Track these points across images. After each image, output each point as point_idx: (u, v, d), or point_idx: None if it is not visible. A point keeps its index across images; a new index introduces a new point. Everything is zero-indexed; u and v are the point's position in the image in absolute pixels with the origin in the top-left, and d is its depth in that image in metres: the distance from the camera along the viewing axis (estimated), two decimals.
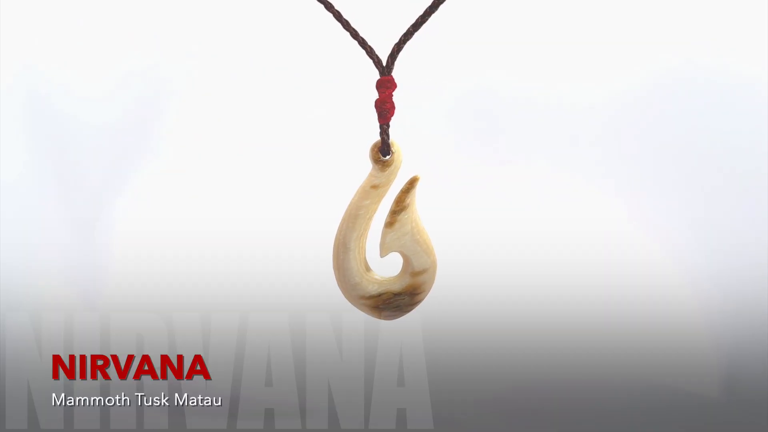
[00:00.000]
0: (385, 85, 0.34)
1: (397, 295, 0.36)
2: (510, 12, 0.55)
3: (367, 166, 0.36)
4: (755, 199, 0.52)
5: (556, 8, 0.55)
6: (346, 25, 0.35)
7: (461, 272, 0.57)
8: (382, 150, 0.35)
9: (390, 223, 0.35)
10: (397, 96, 0.35)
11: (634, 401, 0.49)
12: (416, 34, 0.35)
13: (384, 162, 0.35)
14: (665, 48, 0.55)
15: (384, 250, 0.35)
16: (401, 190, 0.35)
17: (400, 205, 0.35)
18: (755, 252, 0.52)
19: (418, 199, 0.36)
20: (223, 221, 0.58)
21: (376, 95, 0.35)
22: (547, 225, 0.58)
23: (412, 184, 0.35)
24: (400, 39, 0.34)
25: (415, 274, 0.35)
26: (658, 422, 0.45)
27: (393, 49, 0.35)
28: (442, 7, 0.35)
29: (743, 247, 0.52)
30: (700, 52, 0.54)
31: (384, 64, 0.34)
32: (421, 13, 0.34)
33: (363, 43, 0.35)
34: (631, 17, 0.55)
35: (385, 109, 0.34)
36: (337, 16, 0.35)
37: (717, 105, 0.54)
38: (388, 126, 0.35)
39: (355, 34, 0.35)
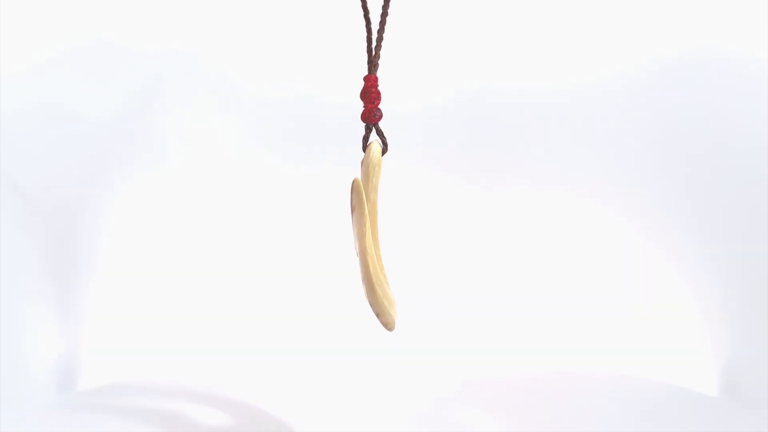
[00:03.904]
0: (366, 79, 0.36)
1: None
2: (505, 16, 0.55)
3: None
4: (756, 198, 0.52)
5: (550, 9, 0.55)
6: (373, 26, 0.36)
7: (461, 272, 0.58)
8: (363, 147, 0.35)
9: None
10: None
11: (634, 401, 0.50)
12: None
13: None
14: (663, 44, 0.55)
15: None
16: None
17: (350, 206, 0.35)
18: (755, 251, 0.52)
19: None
20: (223, 220, 0.58)
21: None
22: (546, 223, 0.59)
23: (351, 187, 0.35)
24: (378, 37, 0.36)
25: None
26: (657, 422, 0.45)
27: (375, 46, 0.36)
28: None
29: (743, 246, 0.53)
30: (699, 47, 0.54)
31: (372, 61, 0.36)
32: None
33: (376, 44, 0.36)
34: (629, 15, 0.55)
35: (370, 97, 0.35)
36: (367, 19, 0.36)
37: (717, 100, 0.54)
38: (368, 126, 0.35)
39: (378, 39, 0.36)
